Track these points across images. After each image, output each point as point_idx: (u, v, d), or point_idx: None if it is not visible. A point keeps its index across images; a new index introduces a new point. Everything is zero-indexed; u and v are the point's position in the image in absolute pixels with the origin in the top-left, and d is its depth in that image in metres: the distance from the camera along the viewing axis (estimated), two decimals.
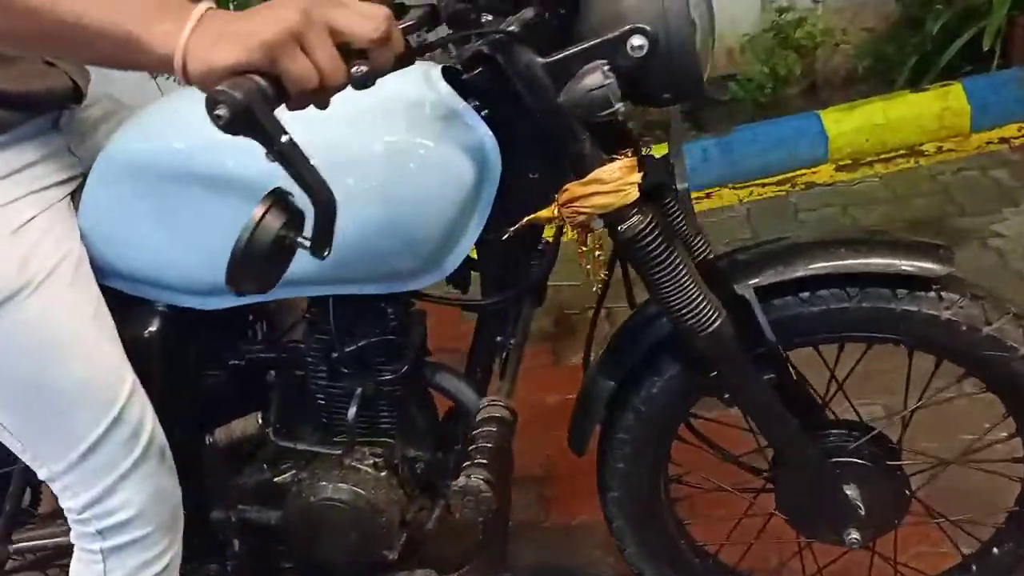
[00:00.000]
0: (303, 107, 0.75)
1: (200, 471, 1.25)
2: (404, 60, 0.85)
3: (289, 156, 0.70)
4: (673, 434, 1.31)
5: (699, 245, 1.25)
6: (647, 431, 1.27)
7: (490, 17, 1.00)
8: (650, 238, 1.06)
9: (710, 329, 1.11)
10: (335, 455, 1.25)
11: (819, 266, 1.13)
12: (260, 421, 1.20)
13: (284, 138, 0.70)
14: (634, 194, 1.03)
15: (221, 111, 0.68)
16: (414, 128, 1.07)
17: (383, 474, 1.26)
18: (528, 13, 1.00)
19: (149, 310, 1.18)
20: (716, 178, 3.15)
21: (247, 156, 1.00)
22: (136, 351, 1.15)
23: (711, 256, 1.26)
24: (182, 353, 1.22)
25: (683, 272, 1.09)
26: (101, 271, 1.13)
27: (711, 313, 1.11)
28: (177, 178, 1.10)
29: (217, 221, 1.06)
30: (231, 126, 0.68)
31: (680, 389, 1.23)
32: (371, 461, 1.26)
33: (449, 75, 1.10)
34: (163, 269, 1.14)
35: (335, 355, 1.21)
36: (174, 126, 1.13)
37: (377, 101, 1.06)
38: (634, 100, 1.10)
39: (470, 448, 1.07)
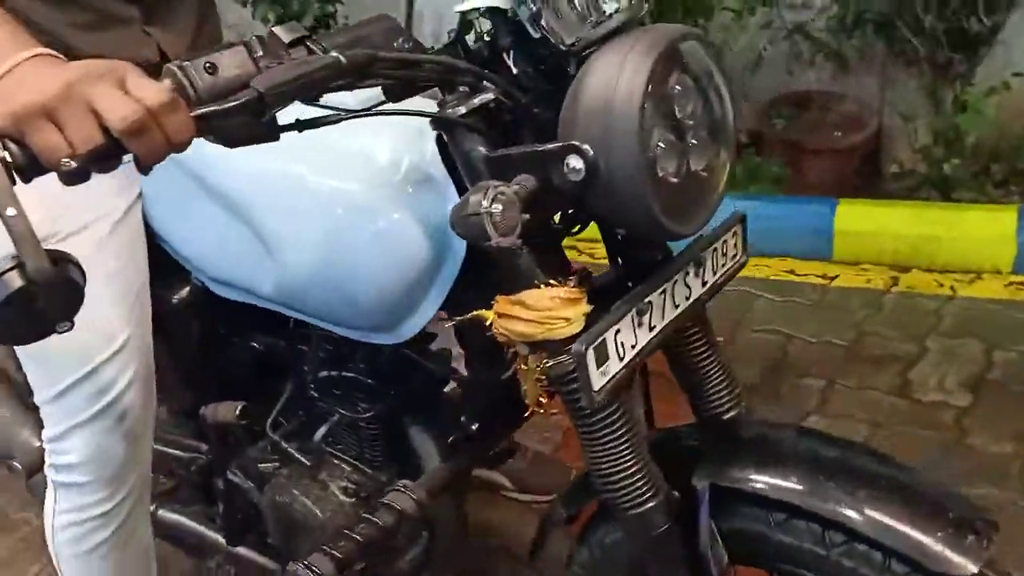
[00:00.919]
0: (72, 179, 0.71)
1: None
2: (264, 136, 0.77)
3: (11, 227, 0.69)
4: None
5: (718, 395, 1.02)
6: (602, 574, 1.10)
7: (465, 89, 0.88)
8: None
9: (637, 510, 0.91)
10: (308, 465, 1.26)
11: (800, 495, 0.86)
12: (238, 412, 1.25)
13: (9, 211, 0.68)
14: (565, 330, 0.86)
15: None
16: (383, 188, 0.99)
17: (348, 500, 1.24)
18: (482, 97, 0.85)
19: (185, 279, 1.26)
20: None
21: (277, 183, 1.04)
22: (165, 313, 1.25)
23: (726, 415, 1.02)
24: (205, 325, 1.29)
25: (620, 434, 0.90)
26: (155, 232, 1.23)
27: (644, 491, 0.91)
28: (215, 178, 1.12)
29: (231, 227, 1.10)
30: None
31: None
32: (342, 484, 1.25)
33: None
34: (193, 250, 1.21)
35: (313, 375, 1.20)
36: None
37: (360, 146, 1.01)
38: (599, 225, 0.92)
39: (338, 532, 1.01)
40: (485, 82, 0.86)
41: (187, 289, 1.27)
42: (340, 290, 1.02)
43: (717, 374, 1.02)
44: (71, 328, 0.74)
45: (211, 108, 0.71)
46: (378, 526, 1.02)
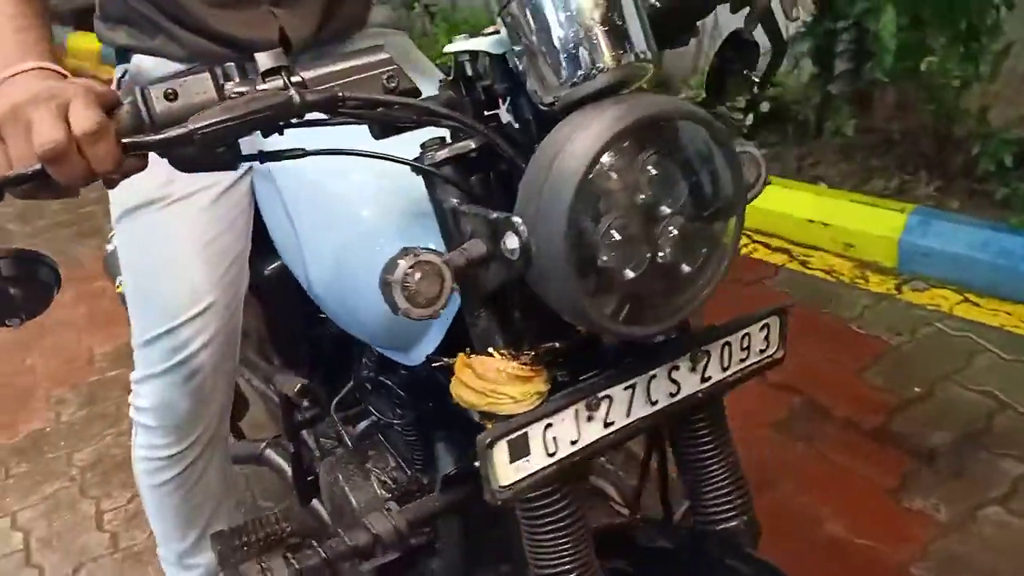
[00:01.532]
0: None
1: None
2: (219, 166, 0.77)
3: None
4: None
5: (717, 502, 0.90)
6: None
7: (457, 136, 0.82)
8: None
9: None
10: (356, 452, 1.29)
11: None
12: (298, 389, 1.30)
13: None
14: (510, 408, 0.79)
15: None
16: (390, 215, 0.97)
17: (385, 495, 1.26)
18: (460, 146, 0.80)
19: (277, 253, 1.32)
20: None
21: (311, 191, 1.05)
22: (259, 283, 1.33)
23: (721, 525, 0.89)
24: (292, 299, 1.35)
25: (560, 527, 0.82)
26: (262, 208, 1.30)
27: None
28: (275, 172, 1.16)
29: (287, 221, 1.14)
30: None
31: None
32: (383, 478, 1.28)
33: None
34: (271, 228, 1.26)
35: (361, 372, 1.22)
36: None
37: (382, 169, 0.99)
38: None
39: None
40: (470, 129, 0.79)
41: (279, 263, 1.33)
42: (350, 307, 1.02)
43: (720, 477, 0.90)
44: (19, 325, 0.80)
45: (141, 139, 0.72)
46: (348, 544, 1.02)
